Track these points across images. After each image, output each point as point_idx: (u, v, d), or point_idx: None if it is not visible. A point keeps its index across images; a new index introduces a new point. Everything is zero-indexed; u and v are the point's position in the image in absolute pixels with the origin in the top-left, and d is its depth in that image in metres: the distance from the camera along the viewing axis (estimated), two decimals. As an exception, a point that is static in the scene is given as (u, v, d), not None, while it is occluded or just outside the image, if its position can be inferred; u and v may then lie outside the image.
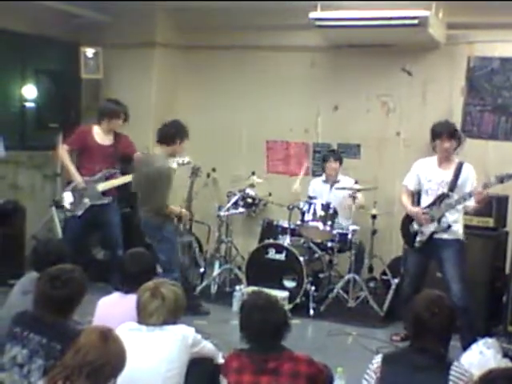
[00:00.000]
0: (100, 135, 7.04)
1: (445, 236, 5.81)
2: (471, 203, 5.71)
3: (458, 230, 5.86)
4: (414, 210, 5.99)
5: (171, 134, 6.35)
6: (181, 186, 8.31)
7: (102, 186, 6.97)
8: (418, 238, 5.94)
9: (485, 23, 7.20)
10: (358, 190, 7.24)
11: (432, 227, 5.83)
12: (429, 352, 3.20)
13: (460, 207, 5.80)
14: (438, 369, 3.18)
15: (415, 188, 6.08)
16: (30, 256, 4.78)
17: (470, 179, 5.76)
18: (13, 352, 3.45)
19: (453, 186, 5.77)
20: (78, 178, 6.92)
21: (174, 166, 6.63)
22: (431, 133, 5.94)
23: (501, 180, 5.48)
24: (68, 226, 7.09)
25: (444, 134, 5.81)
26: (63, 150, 7.05)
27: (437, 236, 5.83)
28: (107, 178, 7.01)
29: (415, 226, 5.97)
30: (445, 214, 5.77)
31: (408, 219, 6.09)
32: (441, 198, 5.80)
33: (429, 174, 5.93)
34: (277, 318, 3.49)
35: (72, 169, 6.98)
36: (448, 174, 5.82)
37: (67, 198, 6.95)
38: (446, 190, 5.78)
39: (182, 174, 8.16)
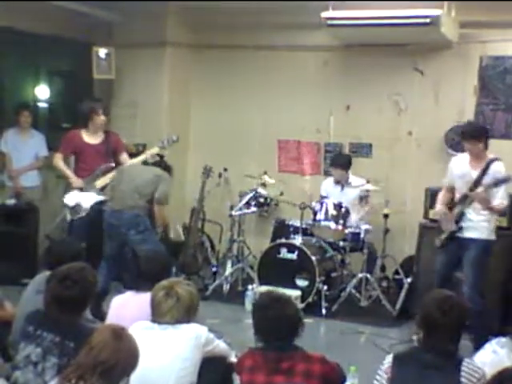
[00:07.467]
0: (89, 136, 7.08)
1: (470, 235, 5.72)
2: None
3: (486, 228, 5.73)
4: (436, 209, 6.00)
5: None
6: (193, 185, 8.39)
7: (100, 182, 6.98)
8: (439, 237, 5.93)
9: (498, 22, 7.17)
10: (369, 191, 7.27)
11: (451, 227, 5.79)
12: (439, 350, 3.19)
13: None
14: (449, 367, 3.17)
15: (450, 185, 6.00)
16: (44, 255, 4.80)
17: (497, 176, 5.64)
18: (26, 351, 3.46)
19: (477, 183, 5.66)
20: (74, 180, 6.96)
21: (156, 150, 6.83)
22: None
23: (495, 184, 5.47)
24: (74, 226, 7.08)
25: (464, 136, 5.84)
26: (57, 159, 7.13)
27: (464, 235, 5.75)
28: (104, 174, 7.00)
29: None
30: (465, 213, 5.72)
31: None
32: (466, 196, 5.75)
33: (460, 172, 5.87)
34: (291, 314, 3.49)
35: (68, 173, 7.06)
36: (477, 172, 5.73)
37: (69, 201, 6.97)
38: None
39: (195, 174, 8.23)
